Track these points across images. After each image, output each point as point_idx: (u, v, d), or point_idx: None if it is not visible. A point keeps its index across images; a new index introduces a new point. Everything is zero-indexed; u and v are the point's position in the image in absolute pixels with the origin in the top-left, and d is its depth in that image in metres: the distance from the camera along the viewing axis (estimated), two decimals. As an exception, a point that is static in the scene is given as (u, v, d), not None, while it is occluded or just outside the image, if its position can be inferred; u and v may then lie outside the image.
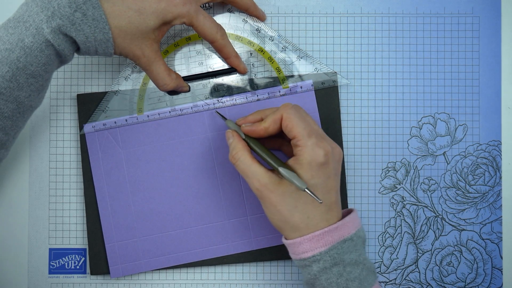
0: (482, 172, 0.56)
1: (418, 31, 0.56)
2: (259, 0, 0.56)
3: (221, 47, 0.52)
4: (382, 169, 0.56)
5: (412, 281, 0.56)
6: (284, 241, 0.48)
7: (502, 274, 0.56)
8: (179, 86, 0.53)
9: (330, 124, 0.55)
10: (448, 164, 0.56)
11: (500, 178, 0.56)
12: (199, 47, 0.55)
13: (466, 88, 0.56)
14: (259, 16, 0.55)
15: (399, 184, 0.56)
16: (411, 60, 0.56)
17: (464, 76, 0.56)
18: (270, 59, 0.55)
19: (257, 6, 0.55)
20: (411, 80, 0.56)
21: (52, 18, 0.44)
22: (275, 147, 0.52)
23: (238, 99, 0.55)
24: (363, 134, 0.56)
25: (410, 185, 0.56)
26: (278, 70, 0.55)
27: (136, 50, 0.48)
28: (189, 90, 0.54)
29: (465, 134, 0.56)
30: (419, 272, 0.56)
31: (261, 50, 0.55)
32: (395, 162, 0.56)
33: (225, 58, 0.53)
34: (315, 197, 0.44)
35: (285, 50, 0.55)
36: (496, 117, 0.56)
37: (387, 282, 0.56)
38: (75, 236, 0.56)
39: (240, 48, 0.55)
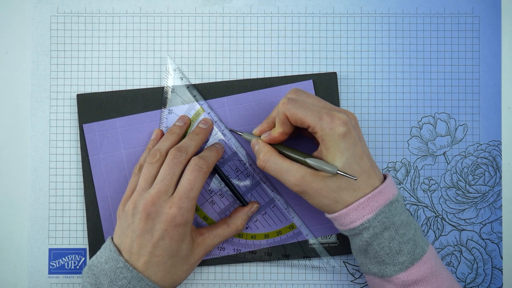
0: (482, 172, 0.56)
1: (418, 31, 0.56)
2: (259, 0, 0.56)
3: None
4: (382, 169, 0.56)
5: (412, 281, 0.56)
6: (328, 216, 0.48)
7: (502, 274, 0.56)
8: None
9: (330, 124, 0.55)
10: (448, 164, 0.56)
11: (500, 178, 0.56)
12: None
13: (466, 88, 0.56)
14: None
15: (399, 184, 0.56)
16: (411, 60, 0.56)
17: (464, 76, 0.56)
18: None
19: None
20: (411, 80, 0.56)
21: None
22: (295, 135, 0.52)
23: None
24: (363, 134, 0.56)
25: (410, 185, 0.56)
26: None
27: (197, 259, 0.51)
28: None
29: (465, 134, 0.56)
30: (419, 272, 0.56)
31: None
32: (395, 162, 0.56)
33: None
34: (349, 176, 0.44)
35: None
36: (496, 117, 0.56)
37: (387, 282, 0.56)
38: (75, 236, 0.56)
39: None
